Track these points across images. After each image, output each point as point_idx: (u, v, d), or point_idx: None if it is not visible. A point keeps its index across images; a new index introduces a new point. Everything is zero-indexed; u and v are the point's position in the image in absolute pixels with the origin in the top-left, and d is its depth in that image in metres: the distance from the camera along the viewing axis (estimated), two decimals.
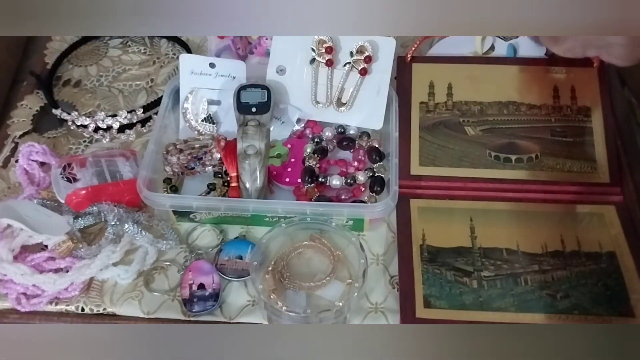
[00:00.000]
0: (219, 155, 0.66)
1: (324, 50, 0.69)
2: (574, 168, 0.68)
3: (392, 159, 0.65)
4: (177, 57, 0.82)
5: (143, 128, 0.75)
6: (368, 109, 0.70)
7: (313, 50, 0.69)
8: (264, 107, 0.67)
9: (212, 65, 0.71)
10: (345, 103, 0.70)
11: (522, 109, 0.72)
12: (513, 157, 0.69)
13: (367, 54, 0.68)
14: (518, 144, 0.70)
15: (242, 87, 0.68)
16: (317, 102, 0.71)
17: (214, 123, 0.72)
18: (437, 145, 0.70)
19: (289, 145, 0.70)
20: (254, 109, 0.66)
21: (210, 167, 0.67)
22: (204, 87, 0.72)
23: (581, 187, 0.67)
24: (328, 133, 0.71)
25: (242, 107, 0.67)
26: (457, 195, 0.68)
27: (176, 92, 0.73)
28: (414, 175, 0.69)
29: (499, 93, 0.73)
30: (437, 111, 0.72)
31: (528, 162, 0.69)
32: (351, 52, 0.69)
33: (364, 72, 0.69)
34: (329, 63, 0.69)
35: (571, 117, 0.71)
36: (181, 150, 0.68)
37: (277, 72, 0.71)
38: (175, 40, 0.85)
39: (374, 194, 0.66)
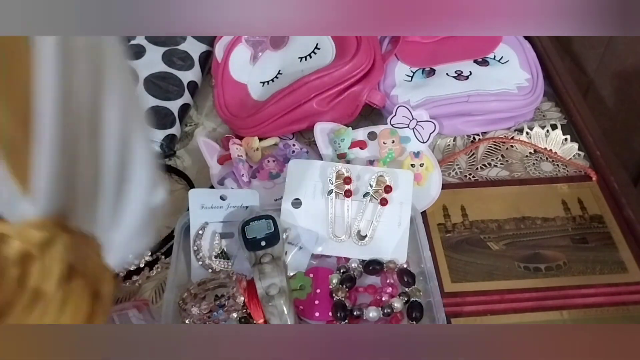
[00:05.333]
0: (242, 299, 0.61)
1: (342, 181, 0.68)
2: (605, 270, 0.67)
3: (430, 282, 0.62)
4: (177, 190, 0.78)
5: (151, 272, 0.69)
6: (390, 242, 0.67)
7: (330, 181, 0.68)
8: (273, 238, 0.63)
9: (223, 197, 0.68)
10: (365, 236, 0.67)
11: (538, 222, 0.73)
12: (542, 266, 0.68)
13: (387, 183, 0.67)
14: (543, 254, 0.70)
15: (246, 223, 0.64)
16: (336, 236, 0.67)
17: (228, 258, 0.67)
18: (464, 262, 0.69)
19: (311, 275, 0.66)
20: (263, 243, 0.62)
21: (235, 314, 0.61)
22: (214, 220, 0.68)
23: (618, 287, 0.66)
24: (353, 264, 0.67)
25: (251, 244, 0.62)
26: (497, 310, 0.65)
27: (186, 229, 0.68)
28: (449, 293, 0.65)
29: (511, 210, 0.74)
30: (456, 231, 0.72)
31: (558, 270, 0.68)
32: (370, 183, 0.68)
33: (384, 202, 0.67)
34: (348, 194, 0.67)
35: (586, 225, 0.72)
36: (195, 295, 0.63)
37: (292, 205, 0.69)
38: (172, 170, 0.81)
39: (413, 321, 0.62)
